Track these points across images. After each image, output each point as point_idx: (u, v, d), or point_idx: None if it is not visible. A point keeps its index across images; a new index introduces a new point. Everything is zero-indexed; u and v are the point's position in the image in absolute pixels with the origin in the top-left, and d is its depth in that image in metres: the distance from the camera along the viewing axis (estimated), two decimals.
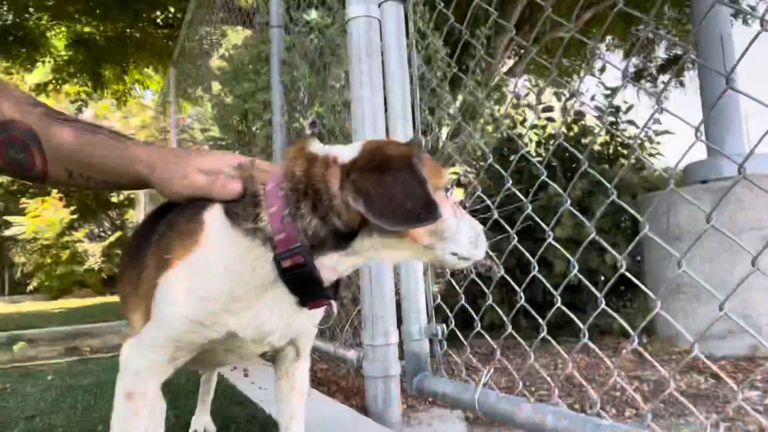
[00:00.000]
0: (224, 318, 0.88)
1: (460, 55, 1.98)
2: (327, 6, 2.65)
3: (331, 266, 0.86)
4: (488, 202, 1.81)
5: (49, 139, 0.97)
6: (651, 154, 4.50)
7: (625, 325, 1.30)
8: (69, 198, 14.23)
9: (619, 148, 4.40)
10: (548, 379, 1.64)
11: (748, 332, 1.04)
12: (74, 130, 0.98)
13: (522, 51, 7.16)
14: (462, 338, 1.75)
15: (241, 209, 0.87)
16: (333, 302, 0.92)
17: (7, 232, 13.30)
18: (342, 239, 0.84)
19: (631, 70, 8.34)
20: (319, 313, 1.00)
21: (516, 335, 1.56)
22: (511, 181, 1.72)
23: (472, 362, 2.41)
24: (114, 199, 15.20)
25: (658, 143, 4.43)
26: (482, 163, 4.14)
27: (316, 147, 0.90)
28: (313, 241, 0.84)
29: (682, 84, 8.77)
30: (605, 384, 2.45)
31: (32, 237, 12.96)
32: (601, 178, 1.50)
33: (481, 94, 3.57)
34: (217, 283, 0.87)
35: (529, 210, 1.56)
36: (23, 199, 13.28)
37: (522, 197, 1.83)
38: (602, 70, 4.87)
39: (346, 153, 0.86)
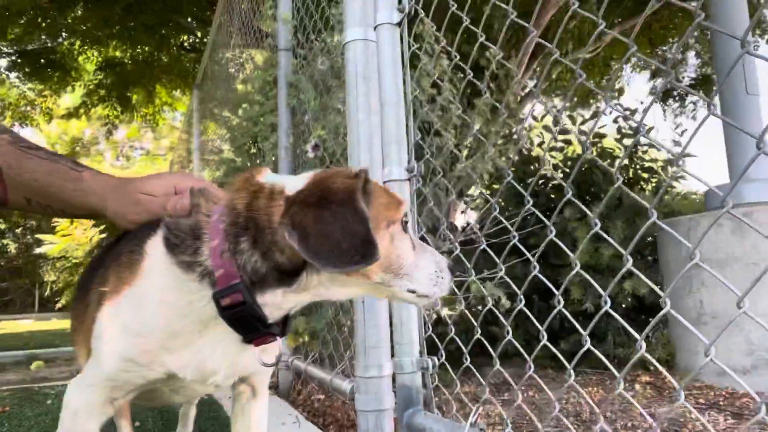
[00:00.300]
0: (162, 356, 0.84)
1: (474, 75, 1.93)
2: (331, 29, 2.65)
3: (275, 303, 0.81)
4: (506, 224, 1.71)
5: (11, 167, 0.97)
6: (674, 179, 4.36)
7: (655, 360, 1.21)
8: (98, 218, 14.54)
9: (639, 171, 4.27)
10: (532, 414, 1.55)
11: None
12: (36, 158, 0.98)
13: (540, 73, 7.09)
14: (452, 373, 1.67)
15: (180, 240, 0.83)
16: (279, 338, 0.87)
17: (38, 250, 13.63)
18: (286, 275, 0.79)
19: (657, 89, 8.18)
20: (273, 349, 0.94)
21: (504, 371, 1.47)
22: (531, 201, 1.62)
23: (465, 398, 2.31)
24: None
25: (680, 165, 4.28)
26: (495, 186, 4.06)
27: (267, 177, 0.86)
28: (254, 278, 0.79)
29: (708, 105, 8.54)
30: (615, 420, 2.32)
31: (62, 255, 13.25)
32: (642, 200, 1.41)
33: (493, 117, 3.52)
34: (154, 318, 0.83)
35: (551, 235, 1.45)
36: (56, 218, 13.61)
37: (544, 219, 1.75)
38: (620, 92, 4.75)
39: (293, 184, 0.81)
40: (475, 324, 1.56)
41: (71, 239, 13.38)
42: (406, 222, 0.88)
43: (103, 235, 14.24)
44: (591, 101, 8.05)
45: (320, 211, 0.74)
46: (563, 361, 1.28)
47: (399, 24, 1.86)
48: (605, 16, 1.14)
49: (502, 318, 1.63)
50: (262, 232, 0.78)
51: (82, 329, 0.96)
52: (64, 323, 10.84)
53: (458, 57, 1.77)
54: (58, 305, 13.63)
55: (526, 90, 7.18)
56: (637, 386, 3.02)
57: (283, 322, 0.88)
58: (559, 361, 1.52)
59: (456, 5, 1.76)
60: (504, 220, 1.85)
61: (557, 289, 1.43)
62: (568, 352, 3.49)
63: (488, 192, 4.15)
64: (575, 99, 7.94)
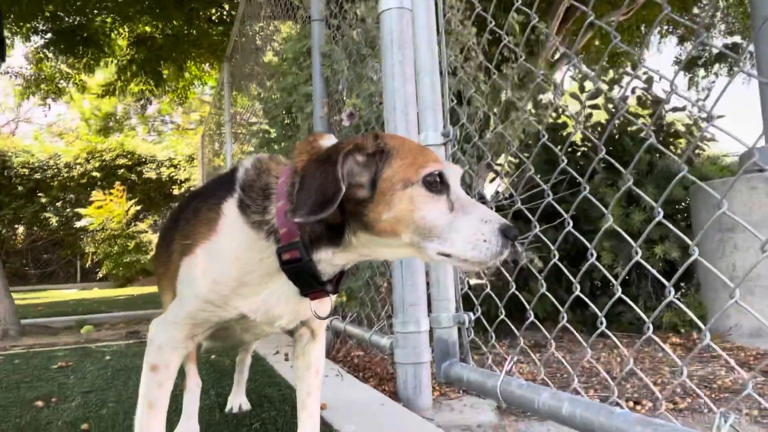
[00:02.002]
0: (235, 300, 0.95)
1: (498, 44, 1.97)
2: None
3: (327, 260, 0.91)
4: (544, 186, 1.75)
5: None
6: (705, 140, 4.31)
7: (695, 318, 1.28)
8: (133, 191, 14.96)
9: (667, 136, 4.24)
10: (568, 367, 1.63)
11: None
12: None
13: (573, 37, 6.96)
14: (488, 327, 1.76)
15: (252, 201, 0.93)
16: (332, 296, 0.97)
17: (78, 224, 14.11)
18: (335, 234, 0.89)
19: (684, 57, 7.96)
20: (328, 303, 1.04)
21: (539, 324, 1.56)
22: (565, 161, 1.66)
23: (498, 355, 2.41)
24: (176, 192, 15.85)
25: (711, 132, 4.24)
26: (525, 155, 4.08)
27: (326, 141, 0.95)
28: (312, 236, 0.89)
29: (732, 73, 8.32)
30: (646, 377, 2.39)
31: (101, 227, 13.69)
32: (683, 159, 1.47)
33: (517, 84, 3.52)
34: (228, 269, 0.94)
35: (586, 192, 1.50)
36: (93, 193, 14.04)
37: (579, 177, 1.80)
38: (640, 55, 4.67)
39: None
40: (510, 279, 1.64)
41: (106, 211, 13.81)
42: (437, 183, 0.86)
43: (139, 207, 14.70)
44: (619, 66, 7.89)
45: (312, 169, 0.84)
46: (597, 323, 1.35)
47: None
48: None
49: (537, 274, 1.70)
50: None
51: (167, 275, 1.08)
52: (105, 292, 11.29)
53: (493, 23, 1.81)
54: (99, 275, 14.15)
55: (557, 55, 7.08)
56: (667, 346, 3.07)
57: (336, 281, 0.98)
58: (588, 324, 1.59)
59: None
60: (540, 182, 1.90)
61: (588, 254, 1.49)
62: (597, 315, 3.56)
63: (517, 160, 4.18)
64: (605, 62, 7.79)
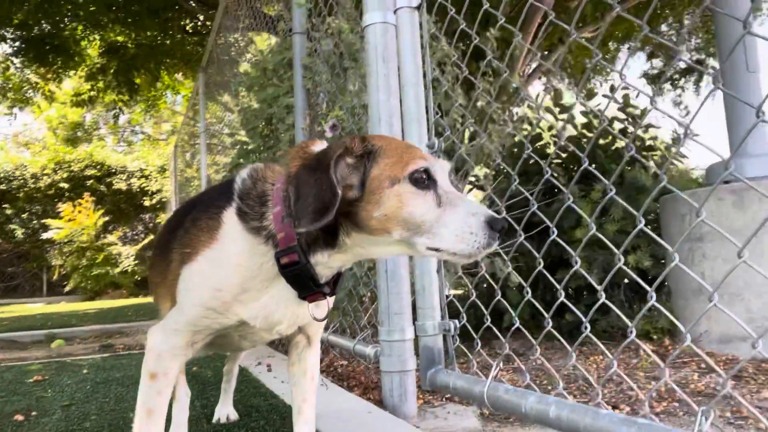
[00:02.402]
0: (235, 307, 0.97)
1: (475, 58, 2.04)
2: (346, 13, 2.73)
3: (324, 263, 0.94)
4: (528, 196, 1.81)
5: None
6: (674, 156, 4.47)
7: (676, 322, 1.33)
8: (102, 202, 14.68)
9: (644, 151, 4.38)
10: (553, 372, 1.68)
11: None
12: None
13: (545, 52, 7.14)
14: (474, 334, 1.79)
15: (250, 209, 0.96)
16: (328, 297, 0.99)
17: (45, 235, 13.75)
18: (330, 236, 0.91)
19: (651, 72, 8.24)
20: (325, 306, 1.06)
21: (525, 331, 1.60)
22: (549, 172, 1.72)
23: (486, 359, 2.45)
24: (147, 203, 15.60)
25: (682, 147, 4.40)
26: (501, 165, 4.16)
27: (317, 147, 0.98)
28: (308, 240, 0.91)
29: (698, 87, 8.63)
30: (620, 383, 2.46)
31: (69, 239, 13.37)
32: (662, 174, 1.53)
33: (494, 97, 3.61)
34: (230, 276, 0.96)
35: (569, 201, 1.56)
36: (60, 204, 13.72)
37: (562, 187, 1.86)
38: (621, 70, 4.84)
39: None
40: (496, 287, 1.68)
41: (76, 224, 13.51)
42: (424, 179, 0.88)
43: (108, 218, 14.42)
44: (589, 81, 8.10)
45: (305, 177, 0.87)
46: (582, 328, 1.40)
47: (418, 7, 1.95)
48: None
49: (522, 282, 1.75)
50: None
51: (165, 283, 1.09)
52: (73, 305, 11.01)
53: (477, 39, 1.86)
54: (67, 288, 13.79)
55: (530, 69, 7.24)
56: (642, 353, 3.16)
57: (333, 282, 1.00)
58: (563, 332, 1.65)
59: None
60: (526, 193, 1.95)
61: (562, 264, 1.54)
62: (573, 323, 3.64)
63: (494, 172, 4.26)
64: (574, 78, 8.01)
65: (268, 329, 1.04)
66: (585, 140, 4.22)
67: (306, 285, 0.95)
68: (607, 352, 1.44)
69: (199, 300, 0.98)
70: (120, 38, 8.45)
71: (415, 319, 1.95)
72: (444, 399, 2.26)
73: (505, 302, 1.88)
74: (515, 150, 4.33)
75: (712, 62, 8.10)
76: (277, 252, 0.93)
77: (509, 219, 1.85)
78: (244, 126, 4.17)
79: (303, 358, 1.18)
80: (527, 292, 1.61)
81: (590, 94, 4.35)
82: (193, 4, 8.25)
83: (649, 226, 4.21)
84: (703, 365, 2.86)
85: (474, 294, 1.83)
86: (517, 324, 1.60)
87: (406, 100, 1.97)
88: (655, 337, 3.53)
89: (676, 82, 8.27)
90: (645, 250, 3.72)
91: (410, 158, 0.89)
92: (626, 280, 3.99)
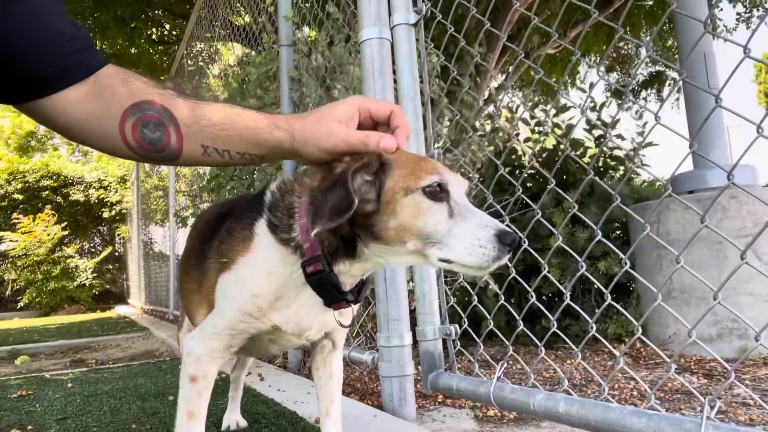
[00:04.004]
0: (270, 313, 1.02)
1: (455, 71, 2.14)
2: (334, 25, 2.79)
3: (346, 272, 0.99)
4: (500, 210, 1.91)
5: (187, 116, 0.96)
6: (638, 166, 4.69)
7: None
8: (60, 214, 14.21)
9: (608, 161, 4.58)
10: (558, 370, 1.76)
11: (736, 336, 1.15)
12: (209, 105, 0.99)
13: (511, 66, 7.37)
14: (476, 338, 1.86)
15: (279, 221, 1.00)
16: (353, 306, 1.04)
17: None
18: (350, 246, 0.97)
19: (614, 85, 8.60)
20: (349, 313, 1.11)
21: (530, 334, 1.68)
22: (520, 190, 1.84)
23: (484, 360, 2.52)
24: (106, 215, 15.17)
25: (644, 155, 4.63)
26: (478, 176, 4.28)
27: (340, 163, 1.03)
28: (330, 249, 0.97)
29: (661, 99, 9.07)
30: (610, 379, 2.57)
31: (23, 253, 12.89)
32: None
33: (473, 109, 3.73)
34: (264, 283, 1.01)
35: (538, 216, 1.68)
36: (15, 215, 13.21)
37: (531, 204, 1.98)
38: (591, 86, 5.06)
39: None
40: (499, 292, 1.75)
41: (32, 236, 13.05)
42: (437, 191, 0.91)
43: (65, 232, 13.96)
44: (562, 93, 8.39)
45: (324, 188, 0.91)
46: (563, 336, 1.48)
47: (415, 24, 2.03)
48: (569, 14, 1.33)
49: (497, 288, 1.83)
50: None
51: (200, 291, 1.12)
52: (27, 321, 10.59)
53: (478, 57, 1.95)
54: (21, 304, 13.26)
55: (496, 84, 7.45)
56: (617, 354, 3.30)
57: (357, 290, 1.06)
58: (540, 337, 1.74)
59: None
60: (495, 204, 2.06)
61: (537, 271, 1.64)
62: (546, 329, 3.76)
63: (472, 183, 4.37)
64: (540, 92, 8.29)
65: (299, 334, 1.08)
66: (560, 149, 4.38)
67: (330, 293, 0.99)
68: (573, 346, 1.53)
69: (237, 305, 1.02)
70: None
71: (414, 324, 2.01)
72: (437, 403, 2.32)
73: (481, 308, 1.99)
74: (502, 170, 4.46)
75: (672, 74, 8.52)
76: (303, 261, 0.98)
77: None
78: None
79: (329, 362, 1.22)
80: (501, 298, 1.70)
81: (562, 109, 4.52)
82: (160, 13, 8.16)
83: (619, 232, 4.40)
84: (674, 365, 3.01)
85: (476, 299, 1.91)
86: (491, 326, 1.68)
87: (405, 113, 2.04)
88: (626, 340, 3.69)
89: (638, 94, 8.65)
90: (615, 256, 3.89)
91: (423, 170, 0.93)
92: (596, 286, 4.16)
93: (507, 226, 0.94)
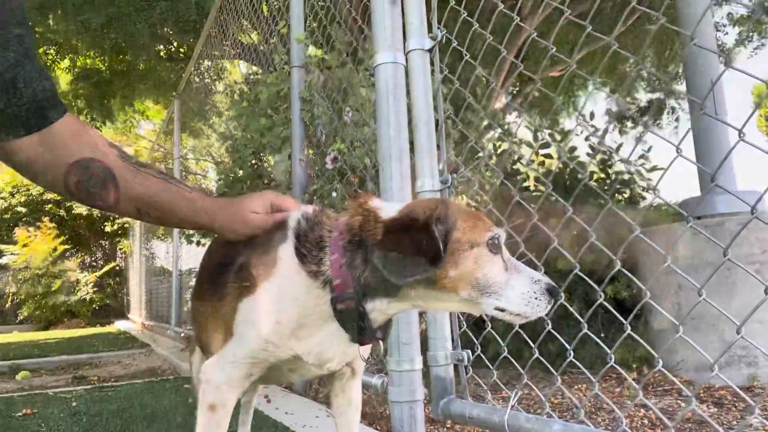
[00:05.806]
0: (292, 342, 1.01)
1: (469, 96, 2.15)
2: (349, 50, 2.82)
3: (380, 310, 0.99)
4: (515, 235, 1.91)
5: (125, 179, 1.07)
6: (644, 189, 4.70)
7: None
8: (62, 228, 14.23)
9: (615, 185, 4.58)
10: (574, 399, 1.75)
11: (745, 364, 1.14)
12: (148, 175, 1.10)
13: (515, 90, 7.44)
14: (489, 365, 1.85)
15: (308, 252, 1.00)
16: (381, 342, 1.04)
17: (0, 261, 13.21)
18: (392, 287, 0.96)
19: (615, 110, 8.67)
20: (369, 344, 1.10)
21: (544, 361, 1.66)
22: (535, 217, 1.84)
23: (496, 387, 2.50)
24: (108, 229, 15.18)
25: (650, 179, 4.64)
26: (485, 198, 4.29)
27: (374, 203, 1.03)
28: (365, 289, 0.97)
29: (658, 125, 9.12)
30: (611, 411, 2.55)
31: (24, 266, 12.87)
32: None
33: (484, 133, 3.75)
34: (288, 309, 1.00)
35: (555, 244, 1.67)
36: (16, 229, 13.23)
37: (544, 227, 1.97)
38: (592, 115, 5.12)
39: (388, 211, 0.99)
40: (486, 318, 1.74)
41: (32, 249, 13.04)
42: (495, 244, 0.96)
43: (66, 246, 13.95)
44: (560, 118, 8.45)
45: (402, 236, 0.93)
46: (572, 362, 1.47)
47: (430, 50, 2.05)
48: (573, 37, 1.35)
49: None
50: (371, 251, 0.96)
51: (219, 316, 1.10)
52: (27, 335, 10.54)
53: (493, 83, 1.96)
54: (20, 317, 13.21)
55: (501, 105, 7.51)
56: (625, 381, 3.27)
57: (384, 327, 1.05)
58: (549, 362, 1.74)
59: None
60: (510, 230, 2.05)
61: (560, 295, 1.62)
62: (554, 354, 3.74)
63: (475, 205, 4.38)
64: (545, 115, 8.34)
65: (320, 365, 1.07)
66: (567, 171, 4.39)
67: (360, 330, 0.99)
68: (591, 376, 1.51)
69: (260, 332, 1.01)
70: (95, 62, 8.36)
71: (425, 349, 1.99)
72: (446, 428, 2.30)
73: (495, 333, 1.97)
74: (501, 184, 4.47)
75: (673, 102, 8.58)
76: (334, 298, 0.98)
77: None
78: (231, 155, 4.18)
79: (347, 389, 1.21)
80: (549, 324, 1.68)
81: (566, 134, 4.55)
82: (168, 30, 8.25)
83: (626, 255, 4.39)
84: (684, 393, 2.98)
85: (489, 325, 1.89)
86: (536, 354, 1.66)
87: (419, 136, 2.05)
88: (634, 365, 3.66)
89: (639, 119, 8.70)
90: (623, 281, 3.88)
91: (486, 225, 0.97)
92: (603, 311, 4.14)
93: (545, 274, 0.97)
